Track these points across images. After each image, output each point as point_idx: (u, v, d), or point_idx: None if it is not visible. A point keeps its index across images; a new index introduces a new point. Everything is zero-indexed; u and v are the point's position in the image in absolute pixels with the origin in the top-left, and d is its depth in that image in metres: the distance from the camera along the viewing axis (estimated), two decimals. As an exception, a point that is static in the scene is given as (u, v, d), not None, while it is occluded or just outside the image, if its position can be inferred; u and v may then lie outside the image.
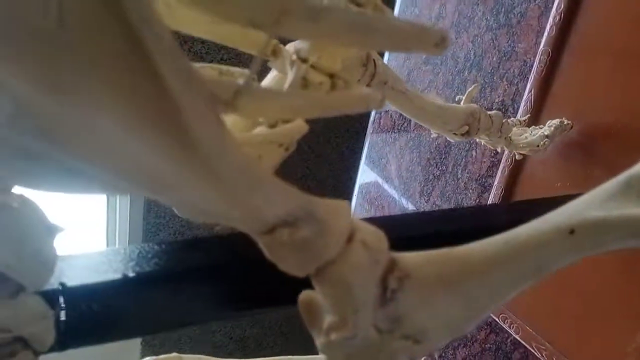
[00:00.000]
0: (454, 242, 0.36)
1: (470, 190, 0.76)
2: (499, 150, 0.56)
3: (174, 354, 0.37)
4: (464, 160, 0.77)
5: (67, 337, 0.25)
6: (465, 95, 0.50)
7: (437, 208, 0.83)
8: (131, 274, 0.26)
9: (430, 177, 0.85)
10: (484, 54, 0.73)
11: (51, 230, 0.23)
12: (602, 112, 0.56)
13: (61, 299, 0.24)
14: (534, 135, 0.54)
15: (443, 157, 0.82)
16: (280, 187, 0.21)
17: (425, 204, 0.86)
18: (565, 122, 0.56)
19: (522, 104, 0.63)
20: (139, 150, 0.17)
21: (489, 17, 0.74)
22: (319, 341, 0.23)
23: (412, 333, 0.23)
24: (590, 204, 0.24)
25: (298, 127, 0.27)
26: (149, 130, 0.16)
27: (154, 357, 0.37)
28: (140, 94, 0.16)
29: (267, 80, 0.37)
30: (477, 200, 0.75)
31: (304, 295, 0.26)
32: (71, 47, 0.14)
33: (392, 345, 0.23)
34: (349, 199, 1.19)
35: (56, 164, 0.17)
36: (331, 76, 0.29)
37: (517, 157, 0.57)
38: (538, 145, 0.53)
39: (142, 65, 0.15)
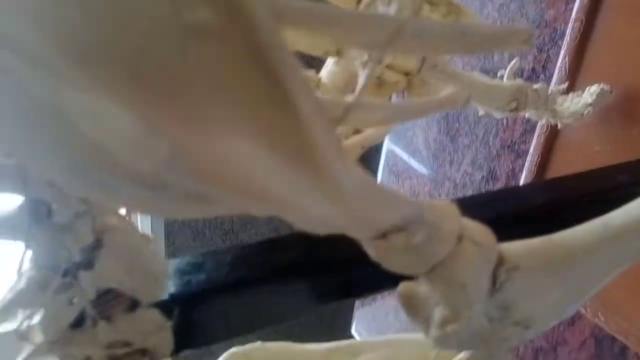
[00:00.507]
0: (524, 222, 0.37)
1: (503, 158, 0.77)
2: (543, 121, 0.57)
3: (258, 343, 0.38)
4: (494, 127, 0.78)
5: (182, 343, 0.26)
6: (507, 70, 0.50)
7: (469, 177, 0.84)
8: (231, 278, 0.28)
9: (460, 147, 0.86)
10: (511, 22, 0.73)
11: (149, 242, 0.25)
12: (639, 73, 0.57)
13: (175, 309, 0.25)
14: (576, 104, 0.54)
15: (472, 126, 0.83)
16: (392, 194, 0.22)
17: (456, 173, 0.87)
18: (605, 88, 0.56)
19: (556, 71, 0.63)
20: (267, 173, 0.18)
21: (512, -17, 0.73)
22: (430, 333, 0.25)
23: (521, 320, 0.24)
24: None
25: (385, 129, 0.28)
26: (278, 153, 0.18)
27: (240, 348, 0.38)
28: (271, 120, 0.17)
29: (325, 78, 0.38)
30: (511, 167, 0.76)
31: (405, 287, 0.27)
32: (206, 81, 0.15)
33: (503, 332, 0.25)
34: (375, 170, 1.21)
35: (185, 192, 0.19)
36: (406, 74, 0.30)
37: (559, 126, 0.58)
38: (582, 114, 0.53)
39: (274, 94, 0.16)
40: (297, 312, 0.32)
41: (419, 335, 0.41)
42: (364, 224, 0.21)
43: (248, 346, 0.38)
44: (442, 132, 0.90)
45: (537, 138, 0.68)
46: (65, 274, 0.22)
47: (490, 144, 0.80)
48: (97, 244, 0.22)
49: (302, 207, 0.20)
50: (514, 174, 0.76)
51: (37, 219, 0.21)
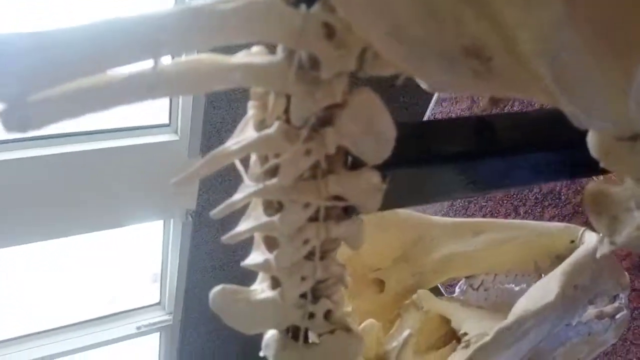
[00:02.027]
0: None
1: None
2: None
3: (391, 210, 0.40)
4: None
5: (386, 205, 0.27)
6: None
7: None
8: (433, 151, 0.29)
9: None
10: None
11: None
12: None
13: (388, 174, 0.26)
14: None
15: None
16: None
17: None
18: None
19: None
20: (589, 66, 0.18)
21: None
22: (623, 232, 0.26)
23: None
24: None
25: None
26: (615, 54, 0.18)
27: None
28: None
29: None
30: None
31: (594, 185, 0.28)
32: None
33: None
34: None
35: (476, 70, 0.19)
36: None
37: None
38: None
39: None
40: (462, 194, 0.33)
41: (540, 223, 0.42)
42: (627, 123, 0.21)
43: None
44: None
45: None
46: (309, 127, 0.23)
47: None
48: (343, 104, 0.23)
49: (594, 102, 0.20)
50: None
51: (300, 70, 0.21)
